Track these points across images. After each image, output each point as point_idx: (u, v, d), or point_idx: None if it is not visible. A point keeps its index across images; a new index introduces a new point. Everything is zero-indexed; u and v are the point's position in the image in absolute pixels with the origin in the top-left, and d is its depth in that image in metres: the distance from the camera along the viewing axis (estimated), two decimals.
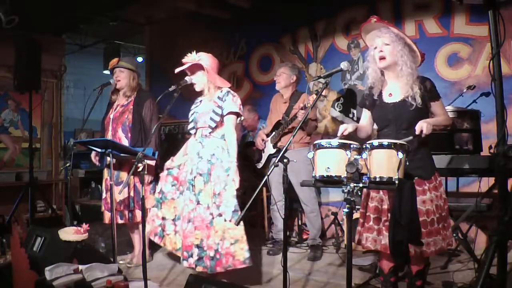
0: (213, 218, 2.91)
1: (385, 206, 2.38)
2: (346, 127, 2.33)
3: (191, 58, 3.04)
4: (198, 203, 2.96)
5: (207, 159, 2.98)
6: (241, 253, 2.88)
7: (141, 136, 3.56)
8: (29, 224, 4.73)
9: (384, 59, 2.35)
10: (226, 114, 3.00)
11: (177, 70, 3.07)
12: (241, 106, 3.06)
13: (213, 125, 2.99)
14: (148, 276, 2.64)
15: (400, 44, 2.33)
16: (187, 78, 3.05)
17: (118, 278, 2.57)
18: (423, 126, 2.20)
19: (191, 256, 2.94)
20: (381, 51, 2.35)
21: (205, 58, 3.05)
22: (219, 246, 2.88)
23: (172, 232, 3.10)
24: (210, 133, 3.02)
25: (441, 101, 2.39)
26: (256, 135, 4.44)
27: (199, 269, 2.92)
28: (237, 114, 3.04)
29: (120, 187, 3.14)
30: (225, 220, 2.91)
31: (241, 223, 2.87)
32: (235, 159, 2.97)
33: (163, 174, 3.19)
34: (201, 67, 3.02)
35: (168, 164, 3.20)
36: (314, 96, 3.32)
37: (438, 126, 2.34)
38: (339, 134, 2.31)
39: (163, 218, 3.11)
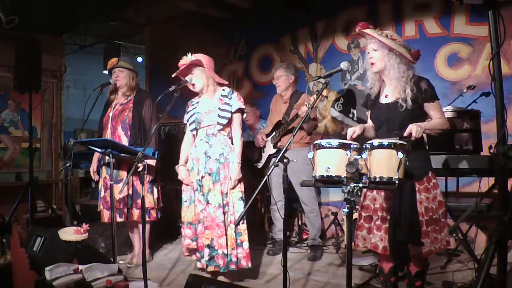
0: (226, 216, 2.95)
1: (377, 205, 2.39)
2: (355, 130, 2.35)
3: (187, 59, 3.06)
4: (207, 203, 2.97)
5: (215, 158, 2.99)
6: (243, 255, 2.98)
7: (141, 134, 3.57)
8: (29, 224, 4.73)
9: (373, 64, 2.41)
10: (235, 112, 3.05)
11: (174, 74, 3.13)
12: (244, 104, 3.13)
13: (224, 122, 3.01)
14: (148, 276, 2.64)
15: (387, 49, 2.35)
16: (187, 77, 3.06)
17: (118, 278, 2.56)
18: (412, 129, 2.19)
19: (203, 257, 2.97)
20: (371, 57, 2.40)
21: (201, 57, 3.08)
22: (229, 245, 2.94)
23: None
24: (219, 130, 3.03)
25: (437, 103, 2.36)
26: (257, 134, 4.45)
27: (211, 268, 2.95)
28: (243, 111, 3.13)
29: (120, 186, 3.14)
30: (230, 221, 2.96)
31: (243, 225, 2.94)
32: (238, 158, 3.00)
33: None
34: (198, 65, 3.04)
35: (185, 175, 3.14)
36: (315, 97, 3.33)
37: (432, 130, 2.31)
38: (348, 137, 2.32)
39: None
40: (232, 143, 3.10)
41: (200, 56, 3.07)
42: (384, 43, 2.33)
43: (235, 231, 2.97)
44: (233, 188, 3.00)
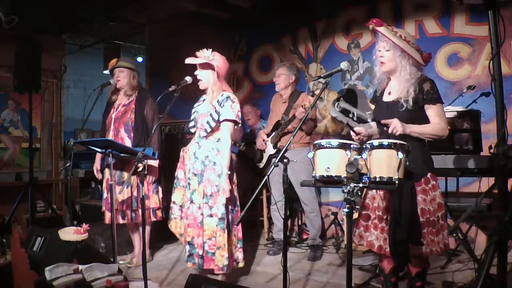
0: (203, 218, 2.94)
1: (375, 204, 2.39)
2: (361, 130, 2.37)
3: (205, 54, 3.01)
4: (191, 201, 3.00)
5: (201, 160, 3.00)
6: (220, 260, 2.91)
7: (144, 135, 3.57)
8: (29, 224, 4.73)
9: (384, 63, 2.37)
10: (223, 121, 2.98)
11: (188, 61, 3.02)
12: (240, 113, 3.02)
13: (209, 129, 2.98)
14: (148, 276, 2.64)
15: (399, 50, 2.31)
16: (187, 78, 3.04)
17: (118, 278, 2.56)
18: (392, 123, 2.17)
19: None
20: (381, 56, 2.37)
21: (218, 59, 3.02)
22: (207, 245, 2.92)
23: (178, 217, 3.15)
24: (205, 136, 3.02)
25: (439, 107, 2.30)
26: (257, 135, 4.45)
27: (189, 265, 3.02)
28: (234, 122, 3.01)
29: (124, 187, 3.14)
30: (215, 223, 2.93)
31: (225, 231, 2.92)
32: (226, 167, 2.94)
33: (180, 161, 3.18)
34: (212, 67, 3.00)
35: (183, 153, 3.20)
36: (312, 98, 3.33)
37: (422, 134, 2.25)
38: (356, 130, 2.37)
39: (173, 202, 3.15)
40: None
41: (217, 57, 3.01)
42: (395, 45, 2.30)
43: (205, 231, 2.94)
44: (229, 196, 2.96)
